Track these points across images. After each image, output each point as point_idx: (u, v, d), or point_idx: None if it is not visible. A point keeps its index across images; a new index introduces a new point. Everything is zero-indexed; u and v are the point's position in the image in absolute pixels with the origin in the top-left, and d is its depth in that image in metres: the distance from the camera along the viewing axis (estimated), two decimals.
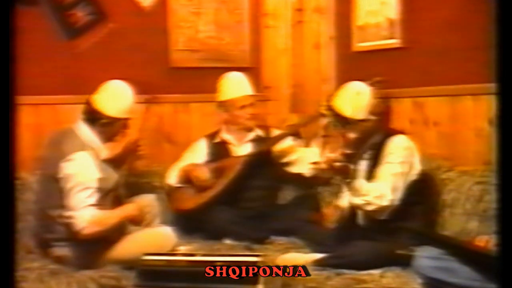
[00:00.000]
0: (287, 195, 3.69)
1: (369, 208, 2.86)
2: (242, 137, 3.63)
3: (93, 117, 3.00)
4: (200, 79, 3.92)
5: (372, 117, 2.97)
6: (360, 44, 3.76)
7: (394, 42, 3.49)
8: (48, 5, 3.66)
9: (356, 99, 2.98)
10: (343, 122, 2.99)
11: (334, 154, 2.88)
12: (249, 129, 3.61)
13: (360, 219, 3.03)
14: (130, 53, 3.77)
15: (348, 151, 2.89)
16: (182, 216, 3.40)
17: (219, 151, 3.60)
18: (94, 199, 2.88)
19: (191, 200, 3.46)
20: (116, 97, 3.05)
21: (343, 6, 3.92)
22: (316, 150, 3.43)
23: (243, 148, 3.60)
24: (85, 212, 2.85)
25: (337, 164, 2.83)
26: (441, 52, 3.21)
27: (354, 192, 2.87)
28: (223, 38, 4.02)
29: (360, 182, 2.87)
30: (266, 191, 3.57)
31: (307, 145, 3.65)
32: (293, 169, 3.61)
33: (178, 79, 3.90)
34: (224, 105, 3.59)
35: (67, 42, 3.71)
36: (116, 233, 2.99)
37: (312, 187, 3.59)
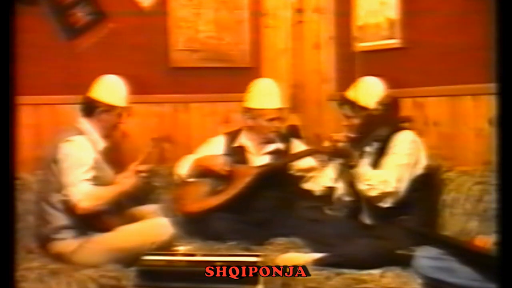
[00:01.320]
0: (293, 206, 3.62)
1: (373, 193, 2.90)
2: (262, 147, 3.57)
3: (90, 107, 3.10)
4: (200, 79, 3.93)
5: (380, 107, 3.03)
6: (360, 44, 3.76)
7: (394, 42, 3.49)
8: (48, 5, 3.66)
9: (368, 89, 3.07)
10: (357, 111, 3.03)
11: (338, 135, 2.92)
12: (270, 141, 3.56)
13: (363, 214, 3.05)
14: (130, 53, 3.77)
15: (351, 135, 2.92)
16: (184, 218, 3.38)
17: (236, 156, 3.55)
18: (90, 175, 2.95)
19: (195, 204, 3.43)
20: (109, 87, 3.15)
21: (343, 6, 3.93)
22: (331, 172, 3.34)
23: (260, 159, 3.54)
24: (81, 186, 2.90)
25: (340, 144, 2.85)
26: (441, 52, 3.21)
27: (358, 177, 2.90)
28: (223, 38, 4.02)
29: (365, 168, 2.89)
30: (274, 203, 3.46)
31: (324, 165, 3.52)
32: (306, 186, 3.55)
33: (178, 79, 3.91)
34: (251, 113, 3.52)
35: (67, 42, 3.71)
36: (114, 219, 3.01)
37: (320, 205, 3.56)
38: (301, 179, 3.57)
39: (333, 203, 3.30)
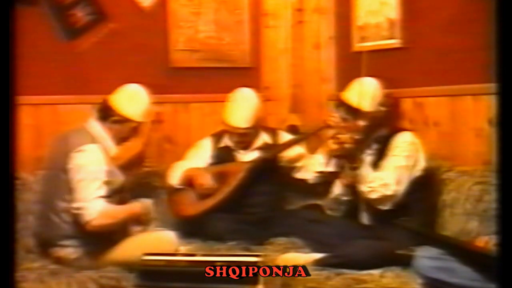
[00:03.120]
0: (291, 203, 3.65)
1: (374, 195, 2.90)
2: (247, 144, 3.56)
3: (106, 114, 3.02)
4: (200, 79, 3.93)
5: (382, 109, 3.03)
6: (360, 44, 3.76)
7: (394, 42, 3.49)
8: (48, 5, 3.66)
9: (365, 91, 3.04)
10: (352, 113, 3.02)
11: (345, 136, 2.91)
12: (255, 136, 3.56)
13: (362, 215, 3.05)
14: (130, 53, 3.77)
15: (357, 137, 2.92)
16: (182, 222, 3.37)
17: (224, 155, 3.55)
18: (103, 191, 2.89)
19: (192, 206, 3.43)
20: (132, 99, 3.08)
21: (343, 6, 3.93)
22: (321, 158, 3.39)
23: (248, 155, 3.54)
24: (95, 204, 2.85)
25: (347, 146, 2.85)
26: (441, 52, 3.21)
27: (360, 179, 2.89)
28: (223, 38, 4.02)
29: (366, 170, 2.90)
30: (270, 198, 3.49)
31: (313, 152, 3.57)
32: (298, 175, 3.57)
33: (178, 79, 3.90)
34: (224, 123, 3.54)
35: (67, 42, 3.71)
36: (120, 232, 2.98)
37: (315, 194, 3.56)
38: (292, 169, 3.58)
39: (327, 190, 3.31)
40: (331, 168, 3.27)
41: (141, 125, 3.09)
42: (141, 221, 3.10)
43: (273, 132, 3.65)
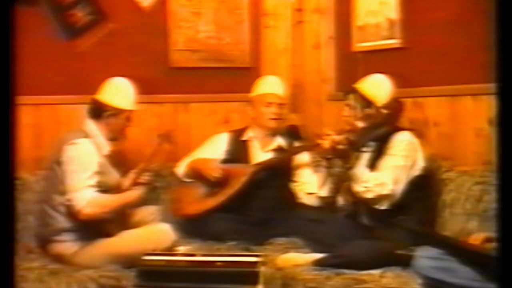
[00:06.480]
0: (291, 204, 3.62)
1: (369, 195, 2.90)
2: (266, 144, 3.57)
3: (98, 110, 3.06)
4: (200, 79, 3.93)
5: (384, 111, 3.05)
6: (360, 44, 3.76)
7: (394, 42, 3.49)
8: (48, 5, 3.66)
9: (377, 85, 3.09)
10: (360, 100, 3.05)
11: (339, 136, 2.91)
12: (273, 135, 3.56)
13: (362, 216, 3.05)
14: (130, 53, 3.78)
15: (352, 138, 2.92)
16: (182, 221, 3.37)
17: (240, 150, 3.55)
18: (94, 180, 2.92)
19: (193, 206, 3.42)
20: (118, 90, 3.11)
21: (343, 6, 3.93)
22: (315, 179, 3.39)
23: (263, 155, 3.53)
24: (85, 192, 2.88)
25: (340, 146, 2.85)
26: (441, 52, 3.21)
27: (355, 179, 2.90)
28: (223, 38, 4.02)
29: (362, 170, 2.90)
30: (273, 202, 3.45)
31: (315, 167, 3.52)
32: (293, 190, 3.54)
33: (178, 79, 3.91)
34: (252, 102, 3.56)
35: (67, 42, 3.71)
36: (116, 224, 2.99)
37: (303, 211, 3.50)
38: (291, 181, 3.54)
39: (315, 210, 3.32)
40: (323, 193, 3.27)
41: (132, 113, 3.11)
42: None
43: (288, 136, 3.63)
